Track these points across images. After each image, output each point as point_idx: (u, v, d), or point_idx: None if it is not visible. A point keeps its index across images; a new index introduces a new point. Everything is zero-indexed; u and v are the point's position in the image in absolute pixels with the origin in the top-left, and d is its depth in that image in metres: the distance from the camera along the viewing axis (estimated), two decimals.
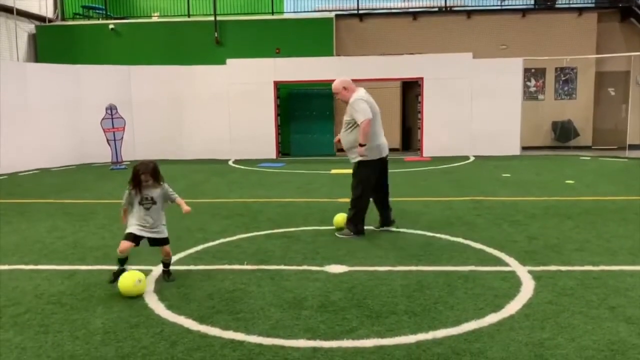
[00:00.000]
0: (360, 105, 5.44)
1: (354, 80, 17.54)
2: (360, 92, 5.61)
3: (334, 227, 5.98)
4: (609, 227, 5.90)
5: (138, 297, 3.95)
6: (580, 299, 3.78)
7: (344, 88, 5.62)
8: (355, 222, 5.66)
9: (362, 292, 3.98)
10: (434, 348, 3.06)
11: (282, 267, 4.64)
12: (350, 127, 5.58)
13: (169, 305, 3.78)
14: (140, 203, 4.22)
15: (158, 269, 4.63)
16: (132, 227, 4.25)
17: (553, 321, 3.41)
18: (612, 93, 15.91)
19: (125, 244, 4.22)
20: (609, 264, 4.57)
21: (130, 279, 3.97)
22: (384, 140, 5.79)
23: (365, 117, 5.38)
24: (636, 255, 4.82)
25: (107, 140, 12.50)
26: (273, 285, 4.19)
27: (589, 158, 13.21)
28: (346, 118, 5.62)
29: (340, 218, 5.85)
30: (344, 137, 5.69)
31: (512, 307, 3.64)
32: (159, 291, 4.09)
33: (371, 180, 5.67)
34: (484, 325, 3.36)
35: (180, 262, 4.87)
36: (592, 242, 5.29)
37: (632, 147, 13.81)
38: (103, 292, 4.10)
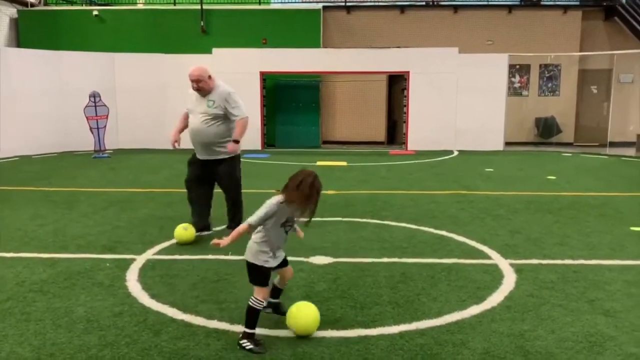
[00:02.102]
0: (239, 100, 5.19)
1: (342, 73, 17.48)
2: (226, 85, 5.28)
3: (319, 219, 5.98)
4: (589, 222, 6.00)
5: (118, 284, 3.93)
6: (560, 292, 3.85)
7: (209, 77, 5.12)
8: (239, 221, 5.38)
9: (347, 283, 4.01)
10: (416, 338, 3.09)
11: None
12: (219, 120, 5.13)
13: (153, 295, 3.77)
14: (283, 225, 3.16)
15: (141, 259, 4.61)
16: (272, 260, 3.16)
17: (534, 313, 3.47)
18: (595, 91, 16.13)
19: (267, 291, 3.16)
20: (589, 258, 4.66)
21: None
22: None
23: (246, 114, 5.19)
24: (614, 250, 4.92)
25: (90, 128, 12.35)
26: None
27: (570, 154, 13.39)
28: (213, 110, 5.09)
29: (184, 234, 5.06)
30: (209, 130, 5.11)
31: (494, 299, 3.69)
32: (142, 280, 4.06)
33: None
34: (466, 317, 3.40)
35: (164, 251, 4.85)
36: (572, 237, 5.38)
37: (613, 144, 14.03)
38: (85, 280, 4.06)
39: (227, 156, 5.25)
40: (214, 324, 3.29)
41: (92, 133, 12.38)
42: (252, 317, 3.00)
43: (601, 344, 3.04)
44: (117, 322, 3.31)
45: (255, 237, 3.11)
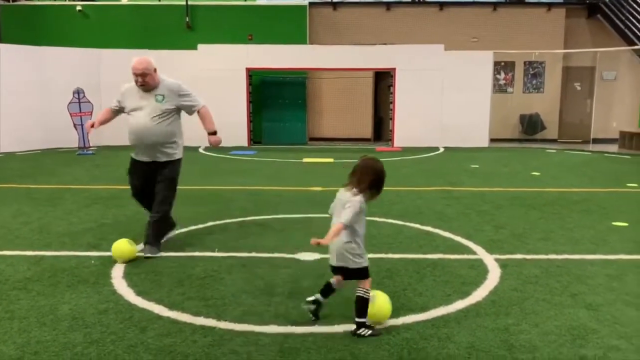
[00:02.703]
0: (190, 90, 4.77)
1: (329, 69, 17.42)
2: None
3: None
4: (572, 218, 6.08)
5: (104, 281, 3.92)
6: (544, 287, 3.90)
7: (155, 70, 4.61)
8: (163, 233, 4.88)
9: None
10: (402, 333, 3.12)
11: (254, 254, 4.65)
12: (171, 116, 4.64)
13: (138, 292, 3.75)
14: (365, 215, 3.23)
15: None
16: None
17: (518, 307, 3.51)
18: (578, 88, 16.32)
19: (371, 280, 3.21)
20: (572, 253, 4.72)
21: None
22: None
23: (203, 102, 4.81)
24: (597, 245, 4.99)
25: (74, 124, 12.22)
26: (244, 272, 4.19)
27: (554, 151, 13.53)
28: (165, 106, 4.59)
29: (125, 250, 4.41)
30: (160, 129, 4.58)
31: (479, 294, 3.73)
32: (128, 277, 4.04)
33: None
34: (451, 311, 3.43)
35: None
36: (556, 232, 5.45)
37: (596, 140, 14.22)
38: (70, 278, 4.03)
39: (175, 158, 4.72)
40: (201, 320, 3.28)
41: (76, 130, 12.25)
42: (364, 307, 3.10)
43: (583, 336, 3.09)
44: (103, 320, 3.29)
45: (348, 246, 3.10)
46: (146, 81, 4.57)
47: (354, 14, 15.81)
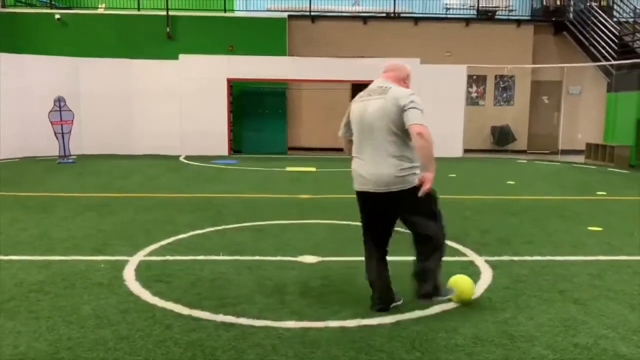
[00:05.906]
0: None
1: (308, 81, 17.65)
2: None
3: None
4: (550, 223, 6.47)
5: (117, 283, 4.05)
6: (533, 285, 4.21)
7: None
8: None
9: (338, 280, 4.25)
10: (412, 326, 3.37)
11: (257, 257, 4.83)
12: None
13: (154, 292, 3.89)
14: None
15: (134, 260, 4.71)
16: None
17: (512, 303, 3.81)
18: (546, 101, 17.03)
19: None
20: (555, 255, 5.07)
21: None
22: None
23: None
24: (577, 248, 5.36)
25: (55, 133, 12.15)
26: (252, 274, 4.38)
27: (525, 161, 14.10)
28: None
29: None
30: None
31: (476, 292, 4.01)
32: (140, 280, 4.18)
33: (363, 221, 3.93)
34: (452, 307, 3.70)
35: (154, 253, 4.95)
36: (537, 236, 5.81)
37: (563, 152, 14.87)
38: (84, 280, 4.15)
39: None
40: (221, 317, 3.46)
41: (57, 138, 12.18)
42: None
43: (575, 327, 3.40)
44: (127, 318, 3.43)
45: None
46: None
47: (331, 27, 16.18)
